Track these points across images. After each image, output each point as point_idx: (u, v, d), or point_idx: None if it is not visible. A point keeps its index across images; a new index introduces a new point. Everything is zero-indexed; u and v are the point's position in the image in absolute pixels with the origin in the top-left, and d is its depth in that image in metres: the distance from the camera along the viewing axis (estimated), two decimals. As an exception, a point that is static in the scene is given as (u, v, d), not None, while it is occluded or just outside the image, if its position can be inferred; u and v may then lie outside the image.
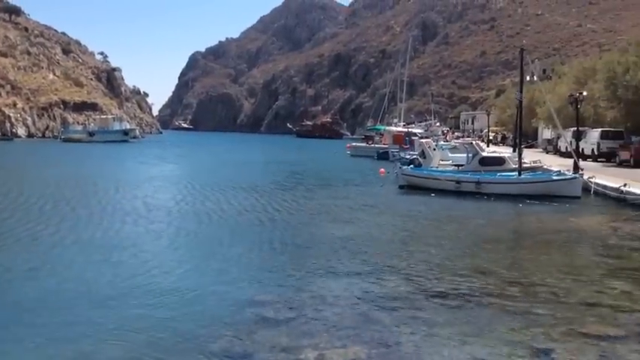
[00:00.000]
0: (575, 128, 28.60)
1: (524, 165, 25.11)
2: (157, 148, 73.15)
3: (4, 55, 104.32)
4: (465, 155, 29.34)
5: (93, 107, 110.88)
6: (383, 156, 46.86)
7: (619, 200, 19.65)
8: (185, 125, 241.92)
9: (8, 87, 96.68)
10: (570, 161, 25.97)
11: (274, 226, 15.76)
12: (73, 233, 14.19)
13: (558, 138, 42.51)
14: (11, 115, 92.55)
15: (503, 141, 65.20)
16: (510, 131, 59.03)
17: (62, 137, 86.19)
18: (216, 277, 10.31)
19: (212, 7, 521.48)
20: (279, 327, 7.66)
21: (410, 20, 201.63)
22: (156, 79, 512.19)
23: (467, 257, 11.92)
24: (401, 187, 25.27)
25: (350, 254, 12.03)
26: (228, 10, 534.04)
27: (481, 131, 78.93)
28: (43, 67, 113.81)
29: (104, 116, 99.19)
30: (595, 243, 13.59)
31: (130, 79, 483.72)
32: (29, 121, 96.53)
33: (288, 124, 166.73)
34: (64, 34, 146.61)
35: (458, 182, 23.58)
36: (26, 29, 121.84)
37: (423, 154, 31.01)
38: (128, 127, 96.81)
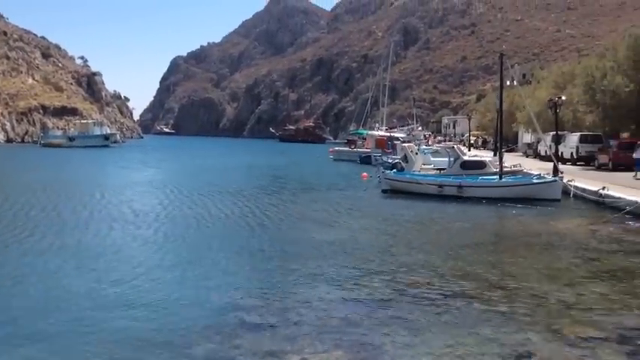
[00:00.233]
0: (555, 132, 28.92)
1: (505, 169, 25.38)
2: (138, 152, 72.63)
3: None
4: (446, 159, 29.57)
5: (73, 112, 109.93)
6: (365, 160, 46.77)
7: (598, 203, 20.00)
8: (167, 130, 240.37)
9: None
10: (550, 165, 26.31)
11: (258, 231, 15.74)
12: (56, 239, 14.04)
13: (538, 142, 42.95)
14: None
15: (484, 145, 65.89)
16: (491, 135, 59.68)
17: (42, 142, 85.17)
18: (200, 282, 10.28)
19: (194, 11, 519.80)
20: (263, 332, 7.67)
21: (391, 25, 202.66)
22: (137, 84, 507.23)
23: (449, 260, 12.03)
24: (384, 191, 25.38)
25: (333, 258, 12.06)
26: (210, 14, 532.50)
27: (462, 135, 79.56)
28: (22, 72, 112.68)
29: (84, 121, 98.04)
30: (574, 245, 13.79)
31: (111, 83, 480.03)
32: (8, 127, 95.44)
33: (270, 129, 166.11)
34: (43, 38, 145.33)
35: (440, 186, 23.77)
36: (5, 33, 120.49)
37: (405, 159, 31.23)
38: (109, 131, 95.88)
